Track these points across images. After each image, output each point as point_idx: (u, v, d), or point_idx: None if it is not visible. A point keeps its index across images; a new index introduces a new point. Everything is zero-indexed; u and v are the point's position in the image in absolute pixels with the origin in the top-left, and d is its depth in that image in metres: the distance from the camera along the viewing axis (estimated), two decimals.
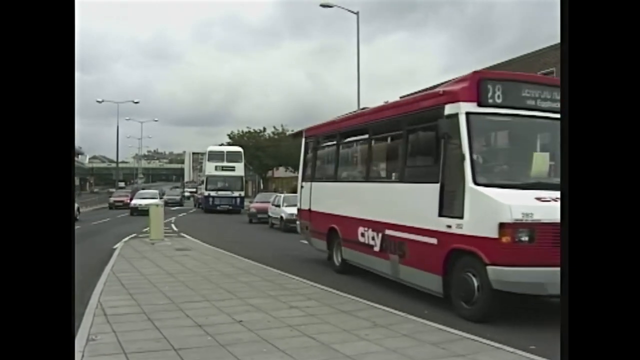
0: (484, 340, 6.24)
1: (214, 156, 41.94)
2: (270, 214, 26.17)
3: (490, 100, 7.83)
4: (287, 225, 22.88)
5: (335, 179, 12.26)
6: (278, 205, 25.14)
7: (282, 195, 27.05)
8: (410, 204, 8.94)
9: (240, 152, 42.94)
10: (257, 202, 31.13)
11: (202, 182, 44.74)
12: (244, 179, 42.70)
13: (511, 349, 5.88)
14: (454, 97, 8.02)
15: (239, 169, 41.48)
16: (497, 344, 6.07)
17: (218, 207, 39.61)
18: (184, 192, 70.37)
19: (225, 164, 41.04)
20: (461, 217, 7.55)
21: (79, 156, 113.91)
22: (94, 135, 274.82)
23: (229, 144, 50.30)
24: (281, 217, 24.20)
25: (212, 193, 40.16)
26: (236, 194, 40.30)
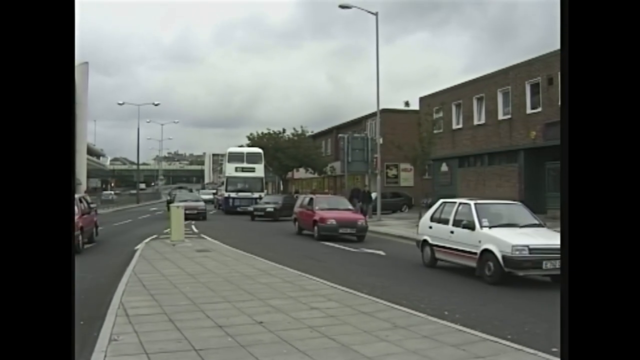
0: (505, 342, 6.20)
1: (234, 157, 41.23)
2: (440, 243, 13.04)
3: None
4: (504, 273, 10.91)
5: None
6: (470, 227, 11.98)
7: (471, 202, 12.99)
8: None
9: (260, 153, 42.08)
10: (324, 209, 21.56)
11: (222, 183, 43.95)
12: (264, 180, 41.74)
13: (532, 351, 5.84)
14: None
15: (259, 170, 40.64)
16: (518, 346, 6.03)
17: (238, 209, 37.99)
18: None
19: (245, 165, 40.27)
20: None
21: (101, 158, 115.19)
22: (116, 138, 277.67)
23: (248, 146, 50.32)
24: (485, 252, 11.31)
25: (232, 194, 39.19)
26: (256, 195, 38.68)
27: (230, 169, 40.59)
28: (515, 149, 30.65)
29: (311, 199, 23.45)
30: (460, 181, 36.06)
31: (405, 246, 18.52)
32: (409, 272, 12.67)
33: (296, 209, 24.53)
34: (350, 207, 23.03)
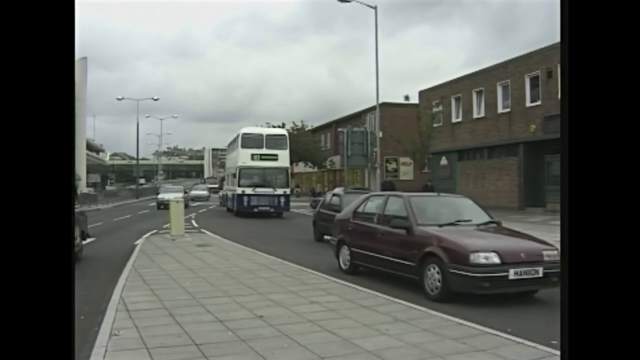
0: (505, 335, 6.20)
1: (250, 141, 30.32)
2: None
3: None
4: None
5: None
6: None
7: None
8: None
9: (284, 135, 32.40)
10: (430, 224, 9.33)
11: (233, 175, 32.00)
12: (289, 171, 31.96)
13: (532, 344, 5.84)
14: None
15: (284, 157, 30.36)
16: (518, 339, 6.03)
17: (256, 210, 28.92)
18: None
19: (265, 151, 29.87)
20: None
21: (100, 153, 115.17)
22: (115, 133, 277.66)
23: None
24: None
25: (248, 190, 29.19)
26: (280, 191, 29.50)
27: (244, 157, 29.90)
28: (515, 142, 30.66)
29: (390, 197, 10.80)
30: (459, 175, 36.08)
31: None
32: None
33: (342, 217, 12.14)
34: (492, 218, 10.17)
